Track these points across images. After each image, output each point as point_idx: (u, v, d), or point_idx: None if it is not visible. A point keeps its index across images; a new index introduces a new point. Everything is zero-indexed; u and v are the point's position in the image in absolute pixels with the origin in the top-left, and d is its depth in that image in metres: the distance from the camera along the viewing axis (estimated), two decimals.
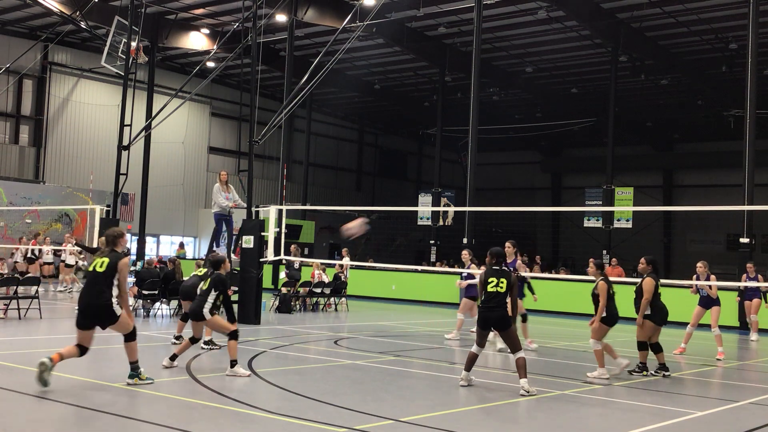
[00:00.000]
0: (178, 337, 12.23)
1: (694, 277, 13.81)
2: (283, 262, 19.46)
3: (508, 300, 9.30)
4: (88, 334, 8.28)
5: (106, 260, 8.29)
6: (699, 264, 13.70)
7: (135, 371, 8.44)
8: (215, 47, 27.50)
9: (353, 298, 23.29)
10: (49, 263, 23.10)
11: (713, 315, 13.77)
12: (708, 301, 13.85)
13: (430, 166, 41.59)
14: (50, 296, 21.13)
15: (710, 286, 13.66)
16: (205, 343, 12.02)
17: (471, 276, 14.39)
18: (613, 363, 10.66)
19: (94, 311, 8.20)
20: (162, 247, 37.13)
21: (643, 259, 11.06)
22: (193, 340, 9.98)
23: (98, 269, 8.27)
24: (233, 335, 9.54)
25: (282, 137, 29.36)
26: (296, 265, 20.24)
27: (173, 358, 9.82)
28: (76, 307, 8.43)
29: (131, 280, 18.01)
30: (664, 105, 38.18)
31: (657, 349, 10.93)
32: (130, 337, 8.44)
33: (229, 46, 24.95)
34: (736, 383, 11.20)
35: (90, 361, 9.28)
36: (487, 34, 27.90)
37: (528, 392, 8.78)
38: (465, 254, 14.83)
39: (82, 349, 8.28)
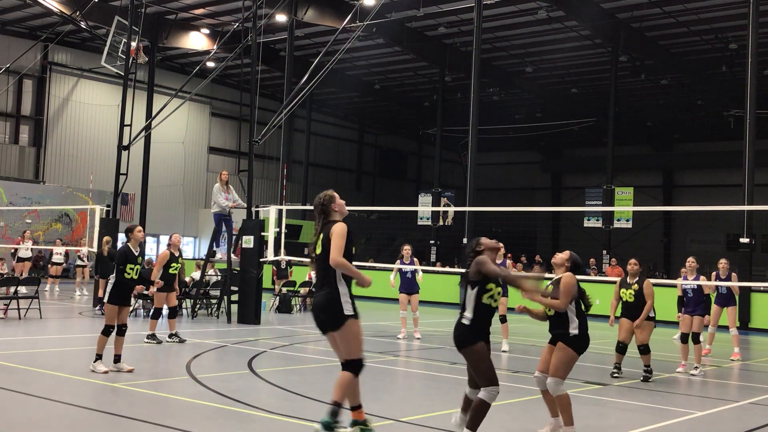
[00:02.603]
0: (171, 335, 12.42)
1: (714, 274, 13.65)
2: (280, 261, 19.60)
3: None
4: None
5: None
6: (722, 261, 13.43)
7: None
8: (215, 47, 27.48)
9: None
10: (58, 264, 22.98)
11: (730, 315, 13.67)
12: (726, 300, 13.70)
13: (430, 166, 41.58)
14: (55, 296, 21.12)
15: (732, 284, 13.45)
16: (169, 336, 12.36)
17: (415, 271, 14.69)
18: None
19: None
20: (162, 247, 37.11)
21: (635, 261, 10.87)
22: (105, 330, 9.24)
23: None
24: (104, 329, 9.14)
25: (282, 137, 29.35)
26: (282, 265, 20.33)
27: (116, 360, 9.34)
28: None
29: None
30: (664, 105, 38.17)
31: (647, 350, 10.74)
32: None
33: (229, 46, 24.94)
34: (736, 383, 11.20)
35: (89, 362, 9.28)
36: (487, 34, 27.89)
37: None
38: (408, 249, 14.85)
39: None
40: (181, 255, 13.05)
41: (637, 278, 10.81)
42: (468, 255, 6.48)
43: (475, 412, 6.17)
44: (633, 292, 10.75)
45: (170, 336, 12.43)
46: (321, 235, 6.15)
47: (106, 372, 9.04)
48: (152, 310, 12.67)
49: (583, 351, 6.88)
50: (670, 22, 27.57)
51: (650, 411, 8.43)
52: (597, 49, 31.11)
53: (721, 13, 26.21)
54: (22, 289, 16.94)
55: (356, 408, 6.25)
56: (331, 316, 6.07)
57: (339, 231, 6.03)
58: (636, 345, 10.77)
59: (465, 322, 6.23)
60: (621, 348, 10.85)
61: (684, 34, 28.76)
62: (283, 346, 12.64)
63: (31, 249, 22.68)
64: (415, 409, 7.98)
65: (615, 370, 10.77)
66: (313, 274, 21.31)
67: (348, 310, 6.06)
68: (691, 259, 12.21)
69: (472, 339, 6.19)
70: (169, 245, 12.89)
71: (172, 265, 12.57)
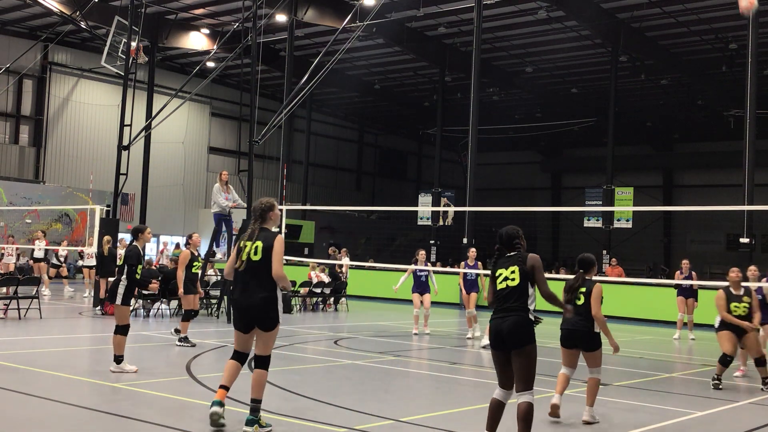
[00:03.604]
0: (175, 332, 12.39)
1: (764, 279, 13.50)
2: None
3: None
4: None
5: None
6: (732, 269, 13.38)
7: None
8: (215, 47, 27.49)
9: (353, 298, 23.28)
10: (57, 265, 22.92)
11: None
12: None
13: (430, 166, 41.58)
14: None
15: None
16: (174, 334, 12.36)
17: (428, 274, 15.82)
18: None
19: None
20: (164, 247, 37.11)
21: (737, 269, 10.46)
22: (122, 329, 9.16)
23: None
24: (119, 330, 9.10)
25: (282, 137, 29.36)
26: None
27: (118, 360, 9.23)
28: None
29: None
30: (664, 105, 38.17)
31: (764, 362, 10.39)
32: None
33: (229, 46, 24.95)
34: (736, 383, 11.19)
35: (90, 362, 9.28)
36: (487, 34, 27.89)
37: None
38: (423, 254, 15.83)
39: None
40: (200, 255, 13.09)
41: (743, 289, 10.40)
42: (514, 243, 6.32)
43: (528, 419, 5.93)
44: (747, 306, 10.31)
45: (175, 331, 12.43)
46: (260, 243, 6.51)
47: (136, 371, 9.06)
48: (183, 312, 12.63)
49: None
50: (670, 22, 27.57)
51: (650, 411, 8.43)
52: (597, 49, 31.12)
53: (721, 13, 26.20)
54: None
55: (226, 389, 6.73)
56: (266, 319, 6.51)
57: (281, 244, 6.52)
58: (753, 359, 10.45)
59: (532, 318, 6.11)
60: (728, 361, 10.31)
61: (684, 34, 28.77)
62: (283, 346, 12.63)
63: (45, 250, 22.65)
64: (415, 409, 7.98)
65: (717, 382, 10.27)
66: (311, 274, 21.32)
67: (279, 318, 6.57)
68: (752, 267, 11.83)
69: (535, 337, 6.09)
70: (188, 245, 12.93)
71: (195, 264, 12.64)
